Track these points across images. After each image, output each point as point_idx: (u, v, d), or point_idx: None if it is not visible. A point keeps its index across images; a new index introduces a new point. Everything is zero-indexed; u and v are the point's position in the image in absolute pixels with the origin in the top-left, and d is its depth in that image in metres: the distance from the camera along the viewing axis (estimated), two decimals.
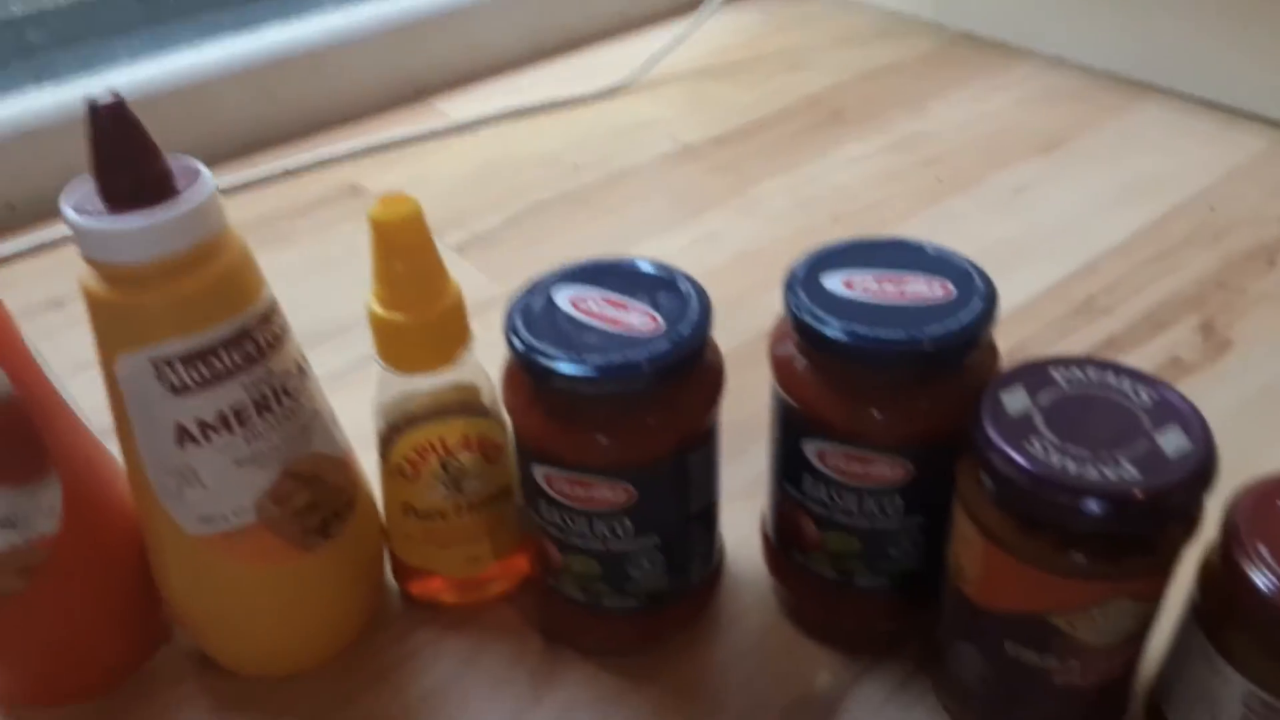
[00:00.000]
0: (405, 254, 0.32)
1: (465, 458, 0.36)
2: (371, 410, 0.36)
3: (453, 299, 0.34)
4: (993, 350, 0.34)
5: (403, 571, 0.39)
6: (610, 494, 0.33)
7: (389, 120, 0.78)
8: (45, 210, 0.65)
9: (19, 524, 0.32)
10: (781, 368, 0.34)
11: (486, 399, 0.37)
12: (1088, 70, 0.79)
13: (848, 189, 0.67)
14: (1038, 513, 0.28)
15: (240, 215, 0.67)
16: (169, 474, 0.31)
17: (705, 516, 0.36)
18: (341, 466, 0.35)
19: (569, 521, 0.34)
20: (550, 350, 0.31)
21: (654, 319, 0.32)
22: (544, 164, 0.72)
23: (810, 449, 0.34)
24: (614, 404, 0.31)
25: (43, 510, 0.32)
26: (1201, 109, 0.72)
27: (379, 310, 0.33)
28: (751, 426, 0.44)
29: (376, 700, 0.36)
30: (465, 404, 0.36)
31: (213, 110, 0.72)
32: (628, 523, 0.33)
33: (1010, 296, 0.56)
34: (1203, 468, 0.28)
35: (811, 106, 0.77)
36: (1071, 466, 0.28)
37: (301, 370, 0.33)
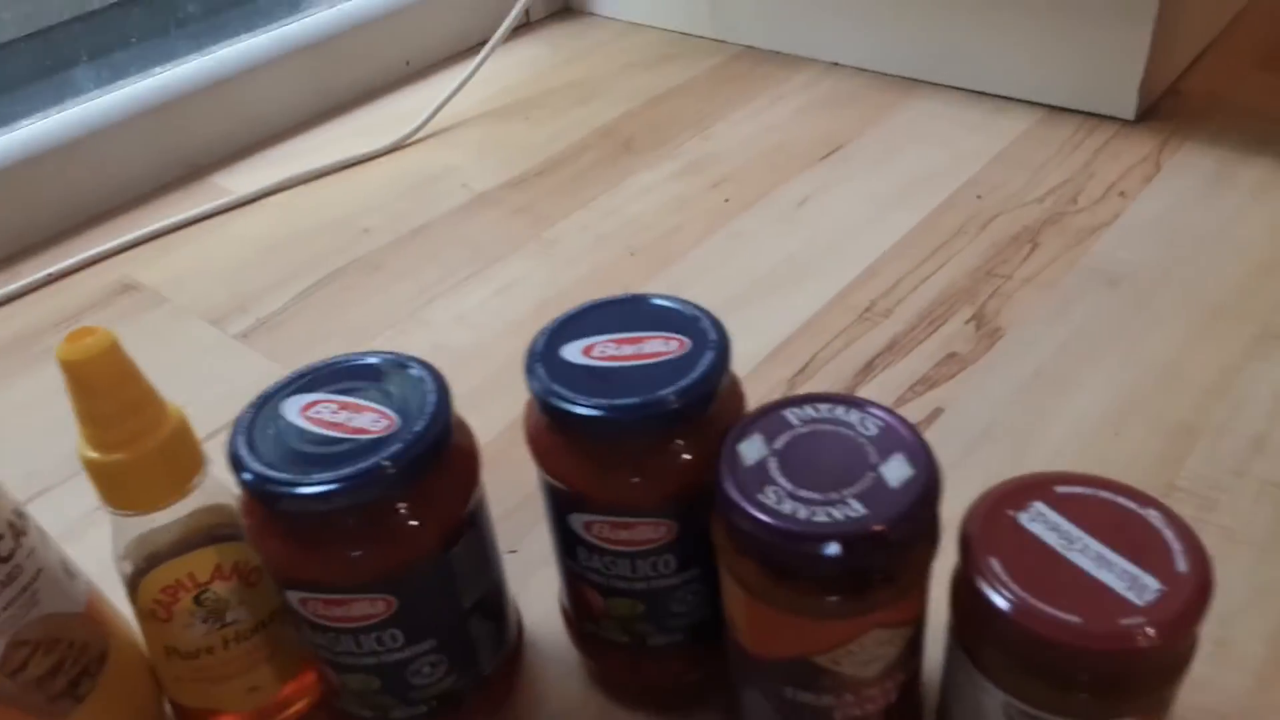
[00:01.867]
0: (106, 392, 0.30)
1: (222, 588, 0.34)
2: (112, 557, 0.34)
3: (173, 426, 0.32)
4: (737, 393, 0.34)
5: (185, 716, 0.37)
6: (370, 608, 0.31)
7: (164, 204, 0.74)
8: None
9: None
10: (536, 446, 0.33)
11: (238, 519, 0.35)
12: (862, 72, 0.82)
13: (641, 219, 0.67)
14: (780, 562, 0.29)
15: None
16: None
17: (487, 606, 0.35)
18: (84, 621, 0.33)
19: (335, 643, 0.32)
20: (280, 474, 0.29)
21: (388, 416, 0.31)
22: (332, 231, 0.69)
23: (577, 522, 0.33)
24: (358, 516, 0.30)
25: None
26: (970, 98, 0.76)
27: (91, 454, 0.31)
28: None
29: None
30: (214, 529, 0.34)
31: None
32: (397, 634, 0.32)
33: (797, 312, 0.57)
34: (925, 493, 0.29)
35: (602, 138, 0.78)
36: (803, 513, 0.28)
37: (16, 529, 0.31)
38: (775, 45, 0.87)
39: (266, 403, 0.32)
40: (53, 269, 0.66)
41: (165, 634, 0.34)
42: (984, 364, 0.52)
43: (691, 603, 0.35)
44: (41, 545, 0.32)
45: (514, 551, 0.44)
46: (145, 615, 0.34)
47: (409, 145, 0.79)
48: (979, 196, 0.66)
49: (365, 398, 0.32)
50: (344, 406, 0.32)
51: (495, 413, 0.51)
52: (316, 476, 0.29)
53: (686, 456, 0.32)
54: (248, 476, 0.30)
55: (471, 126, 0.81)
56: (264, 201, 0.73)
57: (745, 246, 0.63)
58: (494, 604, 0.35)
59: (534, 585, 0.42)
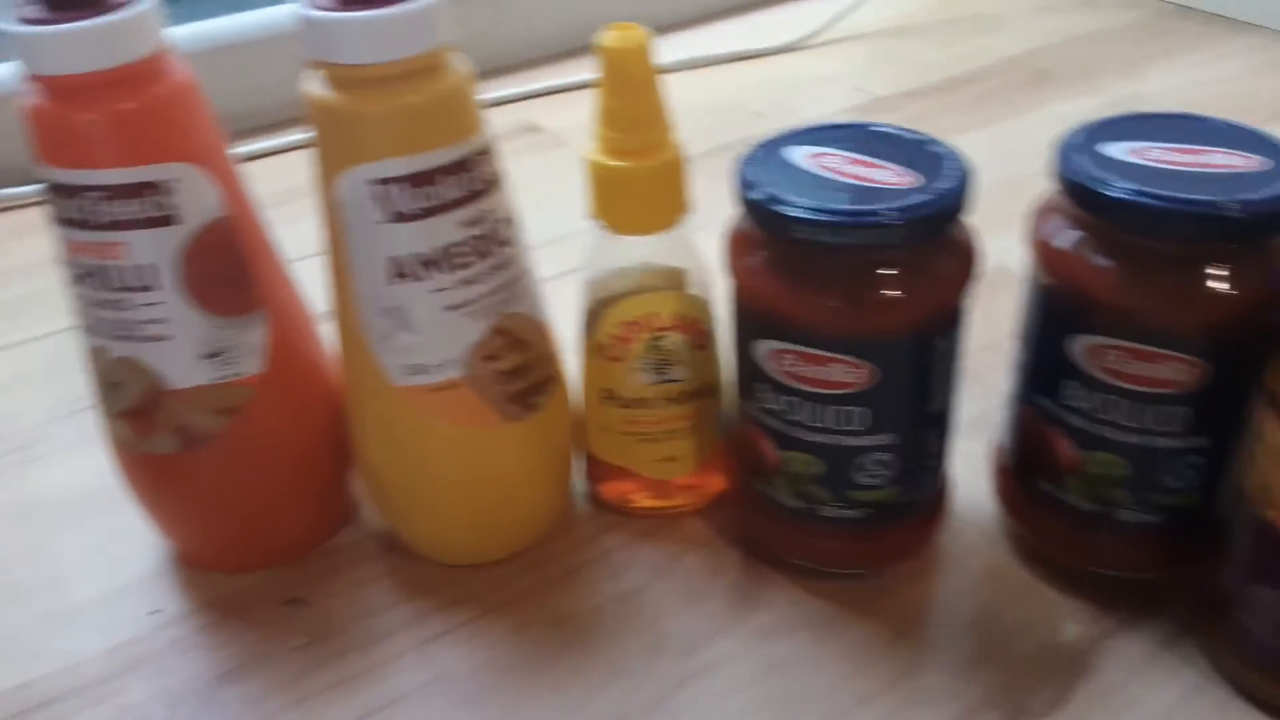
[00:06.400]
0: (631, 89, 0.30)
1: (675, 339, 0.33)
2: (579, 288, 0.34)
3: (676, 153, 0.31)
4: None
5: (596, 470, 0.36)
6: (846, 374, 0.29)
7: (566, 66, 0.76)
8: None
9: (224, 358, 0.30)
10: (1045, 247, 0.30)
11: (695, 286, 0.34)
12: None
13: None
14: None
15: None
16: (381, 315, 0.29)
17: (941, 423, 0.32)
18: (546, 335, 0.33)
19: (794, 408, 0.30)
20: (789, 196, 0.28)
21: (906, 177, 0.28)
22: (723, 111, 0.69)
23: (1078, 346, 0.29)
24: (858, 263, 0.28)
25: (248, 347, 0.31)
26: None
27: (599, 158, 0.31)
28: (970, 365, 0.41)
29: (567, 597, 0.34)
30: (675, 285, 0.33)
31: None
32: (863, 412, 0.29)
33: None
34: None
35: (1011, 67, 0.72)
36: None
37: (514, 223, 0.31)
38: (1215, 8, 0.77)
39: (770, 147, 0.30)
40: None
41: (610, 374, 0.33)
42: None
43: (1189, 476, 0.30)
44: (526, 252, 0.32)
45: None
46: (595, 351, 0.33)
47: (801, 49, 0.77)
48: None
49: (879, 157, 0.30)
50: (856, 161, 0.29)
51: None
52: (832, 206, 0.27)
53: (1240, 283, 0.27)
54: (756, 194, 0.28)
55: (866, 41, 0.78)
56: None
57: None
58: (947, 425, 0.32)
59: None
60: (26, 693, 0.31)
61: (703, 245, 0.33)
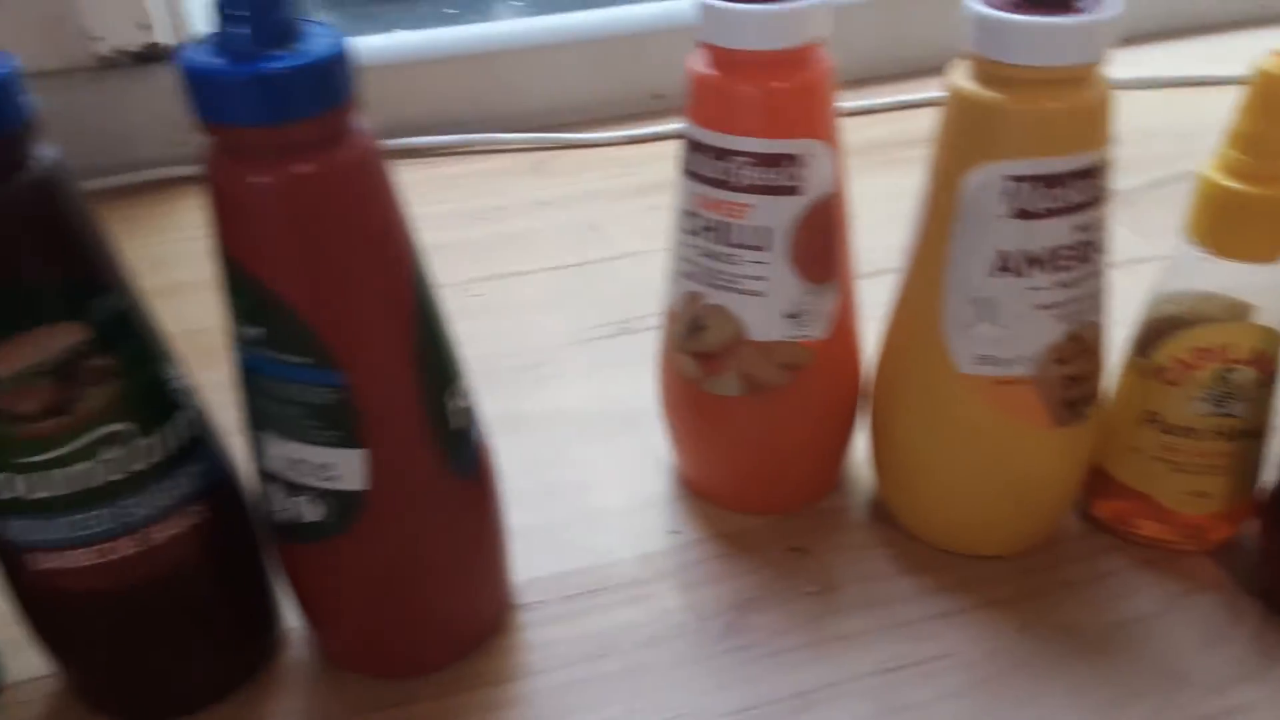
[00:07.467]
0: None
1: (1245, 373, 0.32)
2: (1148, 299, 0.34)
3: None
4: None
5: (1101, 486, 0.36)
6: None
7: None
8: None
9: (800, 320, 0.33)
10: None
11: (1270, 320, 0.32)
12: None
13: None
14: None
15: (855, 138, 0.68)
16: (969, 303, 0.31)
17: None
18: (1104, 347, 0.33)
19: None
20: None
21: None
22: (1181, 139, 0.65)
23: None
24: None
25: (820, 313, 0.33)
26: None
27: (1219, 178, 0.30)
28: None
29: (1070, 608, 0.34)
30: (1242, 316, 0.32)
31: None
32: None
33: None
34: None
35: None
36: None
37: (1108, 234, 0.31)
38: None
39: None
40: (903, 98, 0.71)
41: (1158, 398, 0.33)
42: None
43: None
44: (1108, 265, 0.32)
45: None
46: (1148, 372, 0.33)
47: None
48: None
49: None
50: None
51: None
52: None
53: None
54: None
55: None
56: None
57: None
58: None
59: None
60: (574, 579, 0.36)
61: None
